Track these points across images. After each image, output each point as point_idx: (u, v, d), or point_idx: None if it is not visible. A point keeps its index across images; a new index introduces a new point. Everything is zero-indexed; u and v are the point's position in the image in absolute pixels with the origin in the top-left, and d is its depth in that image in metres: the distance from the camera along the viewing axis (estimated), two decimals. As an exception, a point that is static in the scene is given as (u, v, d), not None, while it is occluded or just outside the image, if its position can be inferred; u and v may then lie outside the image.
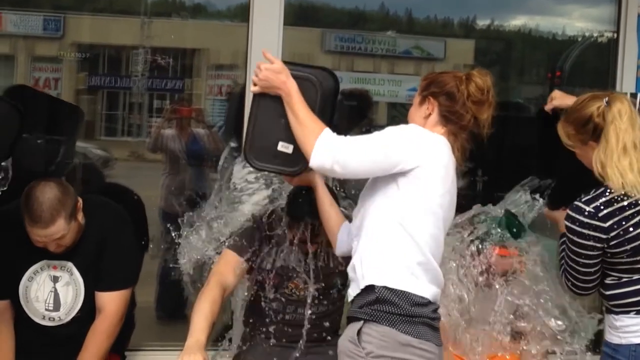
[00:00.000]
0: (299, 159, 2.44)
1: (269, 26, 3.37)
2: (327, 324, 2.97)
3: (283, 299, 2.93)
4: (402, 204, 2.31)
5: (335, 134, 2.32)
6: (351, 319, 2.37)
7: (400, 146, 2.31)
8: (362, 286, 2.32)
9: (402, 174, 2.30)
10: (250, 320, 3.03)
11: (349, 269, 2.43)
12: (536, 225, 3.12)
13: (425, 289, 2.33)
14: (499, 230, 2.91)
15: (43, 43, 6.05)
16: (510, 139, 4.38)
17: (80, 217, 2.76)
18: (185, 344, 2.52)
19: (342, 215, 2.71)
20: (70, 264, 2.80)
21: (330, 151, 2.28)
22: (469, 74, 2.46)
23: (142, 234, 3.48)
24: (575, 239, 2.46)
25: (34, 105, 3.50)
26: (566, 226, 2.48)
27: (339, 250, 2.65)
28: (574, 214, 2.45)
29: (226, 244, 2.89)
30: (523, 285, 2.93)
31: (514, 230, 2.93)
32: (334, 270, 2.93)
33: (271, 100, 2.44)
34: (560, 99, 2.95)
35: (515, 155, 4.39)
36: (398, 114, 6.96)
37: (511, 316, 2.99)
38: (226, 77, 6.22)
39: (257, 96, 2.49)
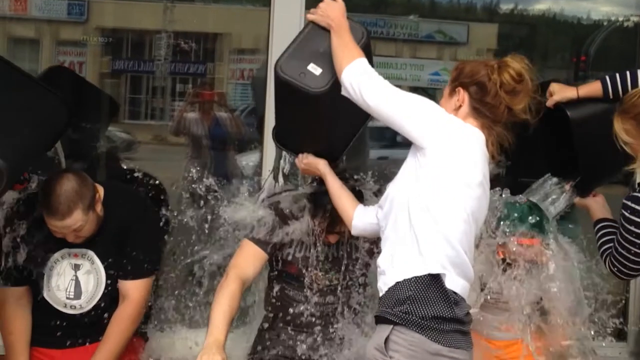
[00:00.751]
0: (321, 83, 2.45)
1: (291, 10, 3.31)
2: (348, 313, 2.92)
3: (304, 290, 2.88)
4: (426, 190, 2.18)
5: None
6: (380, 320, 2.23)
7: (424, 115, 2.19)
8: (392, 282, 2.20)
9: (423, 159, 2.18)
10: (270, 308, 2.99)
11: (379, 261, 2.30)
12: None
13: (455, 283, 2.20)
14: (520, 217, 2.82)
15: (67, 27, 6.04)
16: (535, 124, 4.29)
17: (99, 208, 2.71)
18: (204, 341, 2.50)
19: (355, 198, 2.63)
20: (91, 252, 2.76)
21: (360, 74, 2.25)
22: (502, 61, 2.30)
23: (165, 219, 3.45)
24: (633, 228, 2.41)
25: (70, 89, 3.49)
26: (623, 215, 2.42)
27: (355, 231, 2.58)
28: (632, 204, 2.39)
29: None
30: (545, 276, 2.87)
31: (537, 219, 2.85)
32: (357, 262, 2.88)
33: (319, 31, 2.50)
34: (560, 92, 2.76)
35: (539, 140, 4.28)
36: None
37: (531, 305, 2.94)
38: (248, 61, 6.18)
39: (310, 23, 2.55)
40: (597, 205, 2.77)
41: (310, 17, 2.52)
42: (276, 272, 2.91)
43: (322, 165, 2.63)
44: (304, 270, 2.84)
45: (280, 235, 2.80)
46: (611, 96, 2.66)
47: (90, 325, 2.76)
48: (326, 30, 2.46)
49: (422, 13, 5.69)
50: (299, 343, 2.91)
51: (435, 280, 2.17)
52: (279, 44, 3.12)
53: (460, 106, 2.27)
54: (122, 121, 6.30)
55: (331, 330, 2.90)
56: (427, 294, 2.16)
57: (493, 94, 2.25)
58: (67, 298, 2.75)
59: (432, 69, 5.67)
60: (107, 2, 5.78)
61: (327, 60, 2.44)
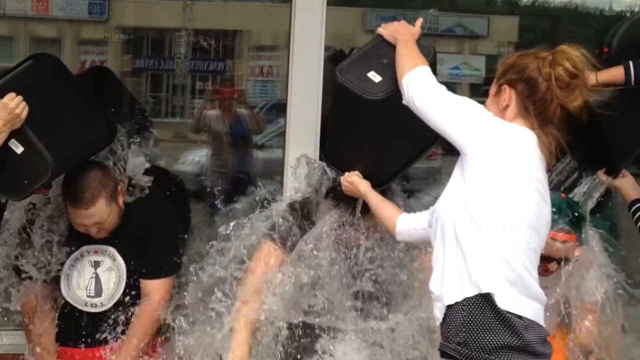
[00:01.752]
0: (378, 90, 2.38)
1: (312, 7, 3.22)
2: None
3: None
4: (472, 200, 1.94)
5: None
6: (443, 355, 1.97)
7: (466, 119, 2.00)
8: (444, 308, 1.95)
9: (467, 167, 1.96)
10: None
11: (430, 286, 2.04)
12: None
13: (516, 304, 1.90)
14: (559, 211, 2.70)
15: (88, 26, 6.02)
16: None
17: (121, 201, 2.67)
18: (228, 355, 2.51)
19: (397, 207, 2.52)
20: (112, 249, 2.71)
21: (420, 79, 2.13)
22: (556, 52, 2.01)
23: (185, 218, 3.39)
24: None
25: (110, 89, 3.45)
26: None
27: (400, 236, 2.41)
28: None
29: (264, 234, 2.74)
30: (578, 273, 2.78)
31: (576, 215, 2.73)
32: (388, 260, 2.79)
33: (386, 45, 2.45)
34: None
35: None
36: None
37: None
38: (267, 58, 6.13)
39: (378, 36, 2.52)
40: (629, 185, 2.74)
41: (380, 30, 2.46)
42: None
43: (363, 187, 2.49)
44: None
45: (300, 235, 2.73)
46: (633, 83, 2.58)
47: (113, 323, 2.70)
48: (393, 46, 2.37)
49: (442, 7, 5.59)
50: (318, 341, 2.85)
51: (486, 301, 1.89)
52: (300, 41, 3.07)
53: (507, 106, 2.02)
54: (143, 119, 6.28)
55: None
56: (482, 318, 1.88)
57: (544, 91, 1.98)
58: (88, 296, 2.70)
59: (452, 63, 5.60)
60: (127, 1, 5.76)
61: (389, 71, 2.34)
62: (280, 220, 2.76)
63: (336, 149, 2.67)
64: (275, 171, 3.67)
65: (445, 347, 1.94)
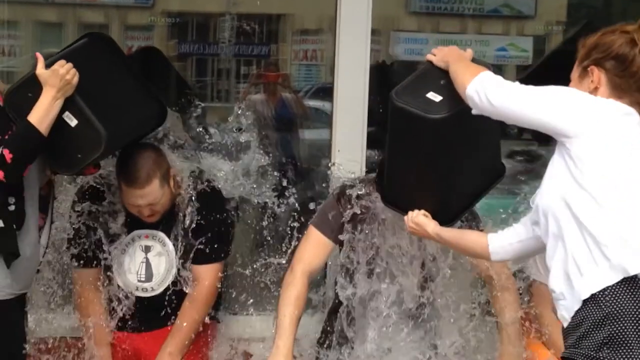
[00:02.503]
0: (441, 110, 2.24)
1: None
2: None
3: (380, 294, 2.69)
4: (588, 181, 1.79)
5: None
6: None
7: (564, 101, 1.87)
8: (577, 304, 1.76)
9: (573, 149, 1.82)
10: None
11: (551, 285, 1.87)
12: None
13: None
14: None
15: (135, 12, 6.04)
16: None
17: (173, 185, 2.67)
18: (274, 343, 2.49)
19: (479, 231, 2.42)
20: (161, 234, 2.72)
21: (487, 81, 1.98)
22: None
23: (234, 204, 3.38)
24: None
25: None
26: None
27: (495, 257, 2.25)
28: None
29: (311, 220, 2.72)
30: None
31: None
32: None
33: (438, 69, 2.32)
34: None
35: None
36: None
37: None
38: (311, 42, 6.06)
39: (428, 62, 2.39)
40: None
41: (430, 57, 2.36)
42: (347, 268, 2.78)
43: (432, 227, 2.34)
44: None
45: (348, 222, 2.66)
46: None
47: (165, 308, 2.72)
48: (445, 71, 2.25)
49: (487, -13, 5.47)
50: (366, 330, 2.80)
51: (636, 284, 1.71)
52: (346, 23, 3.03)
53: (596, 88, 1.91)
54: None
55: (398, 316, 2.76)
56: (632, 306, 1.69)
57: (638, 65, 1.87)
58: (139, 281, 2.71)
59: (499, 44, 5.47)
60: (172, -14, 5.77)
61: (449, 91, 2.20)
62: (326, 207, 2.72)
63: (396, 185, 2.47)
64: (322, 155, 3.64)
65: (578, 355, 1.73)
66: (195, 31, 6.10)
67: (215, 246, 2.73)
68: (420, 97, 2.27)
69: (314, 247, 2.66)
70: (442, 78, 2.27)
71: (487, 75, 2.03)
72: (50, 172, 2.59)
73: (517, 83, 1.97)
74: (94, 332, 2.68)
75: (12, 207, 2.35)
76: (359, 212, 2.64)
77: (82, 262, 2.70)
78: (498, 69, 6.22)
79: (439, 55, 2.33)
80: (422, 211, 2.38)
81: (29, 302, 2.68)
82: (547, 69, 4.33)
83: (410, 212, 2.40)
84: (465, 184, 2.45)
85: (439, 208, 2.38)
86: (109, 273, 2.72)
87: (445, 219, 2.38)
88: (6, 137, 2.32)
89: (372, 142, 3.38)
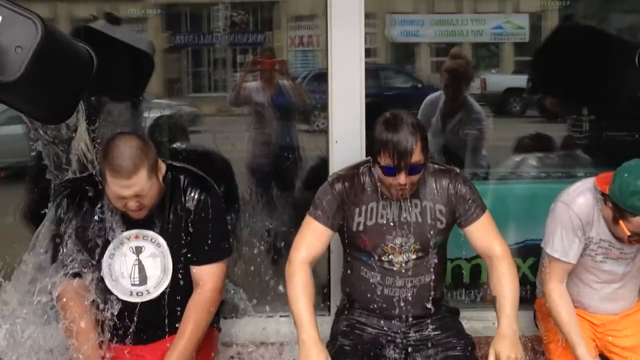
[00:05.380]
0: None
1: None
2: (427, 295, 2.64)
3: (380, 271, 2.61)
4: None
5: None
6: None
7: None
8: None
9: None
10: (348, 293, 2.74)
11: None
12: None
13: None
14: None
15: (126, 4, 5.86)
16: (619, 74, 3.84)
17: (161, 177, 2.50)
18: (298, 338, 2.43)
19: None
20: (153, 233, 2.54)
21: None
22: None
23: (233, 199, 3.23)
24: None
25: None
26: None
27: None
28: None
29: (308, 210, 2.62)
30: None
31: None
32: (432, 227, 2.58)
33: None
34: None
35: (625, 91, 3.85)
36: (485, 54, 6.47)
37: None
38: (306, 27, 5.88)
39: None
40: None
41: None
42: (348, 251, 2.66)
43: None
44: (378, 243, 2.57)
45: (344, 206, 2.58)
46: None
47: (164, 314, 2.54)
48: None
49: (484, -37, 5.27)
50: (377, 332, 2.66)
51: None
52: (337, 7, 2.91)
53: None
54: (186, 95, 6.12)
55: (409, 317, 2.63)
56: None
57: None
58: (133, 285, 2.54)
59: (495, 22, 5.30)
60: (163, -23, 5.57)
61: None
62: (320, 195, 2.61)
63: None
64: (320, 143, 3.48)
65: None
66: (190, 22, 5.92)
67: (215, 245, 2.56)
68: None
69: (311, 236, 2.58)
70: None
71: None
72: None
73: None
74: (84, 350, 2.47)
75: None
76: (351, 202, 2.57)
77: (66, 272, 2.51)
78: (495, 47, 6.05)
79: None
80: None
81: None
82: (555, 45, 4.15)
83: None
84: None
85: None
86: (95, 282, 2.54)
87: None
88: None
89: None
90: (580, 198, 2.64)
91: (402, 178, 2.44)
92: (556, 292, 2.67)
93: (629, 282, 2.77)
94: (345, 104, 2.92)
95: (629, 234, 2.49)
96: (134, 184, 2.37)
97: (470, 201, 2.61)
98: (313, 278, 2.56)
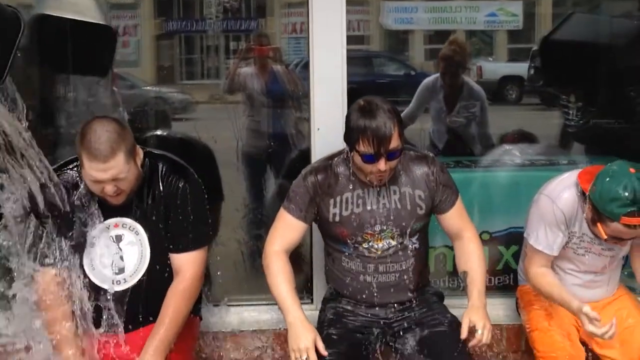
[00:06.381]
0: None
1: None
2: (409, 280, 2.65)
3: (361, 260, 2.61)
4: None
5: None
6: None
7: None
8: None
9: None
10: (332, 283, 2.74)
11: None
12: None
13: None
14: (626, 194, 2.37)
15: (118, -10, 5.82)
16: (606, 61, 3.83)
17: (139, 162, 2.48)
18: (286, 321, 2.46)
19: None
20: (131, 221, 2.52)
21: None
22: None
23: (216, 187, 3.21)
24: None
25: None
26: None
27: None
28: None
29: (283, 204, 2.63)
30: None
31: None
32: (411, 213, 2.58)
33: None
34: None
35: (612, 78, 3.83)
36: (478, 42, 6.43)
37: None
38: (298, 14, 5.83)
39: None
40: None
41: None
42: (328, 242, 2.66)
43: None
44: (357, 231, 2.57)
45: (318, 198, 2.58)
46: None
47: (142, 303, 2.53)
48: None
49: (476, -50, 5.20)
50: (363, 320, 2.66)
51: None
52: None
53: None
54: (179, 82, 6.09)
55: (393, 303, 2.64)
56: None
57: None
58: (114, 273, 2.51)
59: (488, 9, 5.24)
60: (155, -37, 5.53)
61: None
62: (293, 188, 2.62)
63: None
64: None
65: None
66: (182, 8, 5.89)
67: (194, 232, 2.54)
68: None
69: (284, 229, 2.61)
70: None
71: None
72: None
73: None
74: (63, 338, 2.44)
75: None
76: (324, 194, 2.57)
77: (44, 261, 2.47)
78: (488, 36, 5.99)
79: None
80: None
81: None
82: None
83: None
84: None
85: None
86: (75, 271, 2.50)
87: None
88: None
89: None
90: (565, 193, 2.61)
91: (381, 164, 2.43)
92: (540, 271, 2.68)
93: (610, 272, 2.76)
94: (327, 91, 2.90)
95: (605, 237, 2.48)
96: (111, 168, 2.35)
97: (448, 188, 2.63)
98: (290, 264, 2.57)
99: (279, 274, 2.51)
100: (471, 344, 2.47)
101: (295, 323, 2.43)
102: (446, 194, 2.62)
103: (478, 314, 2.48)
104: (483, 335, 2.45)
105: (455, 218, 2.65)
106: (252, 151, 4.34)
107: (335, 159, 2.63)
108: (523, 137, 3.99)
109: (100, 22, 2.87)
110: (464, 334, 2.46)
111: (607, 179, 2.43)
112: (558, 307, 2.74)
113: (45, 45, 3.08)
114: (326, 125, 2.91)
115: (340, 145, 2.88)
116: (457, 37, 4.96)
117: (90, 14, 3.08)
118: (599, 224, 2.47)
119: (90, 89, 3.43)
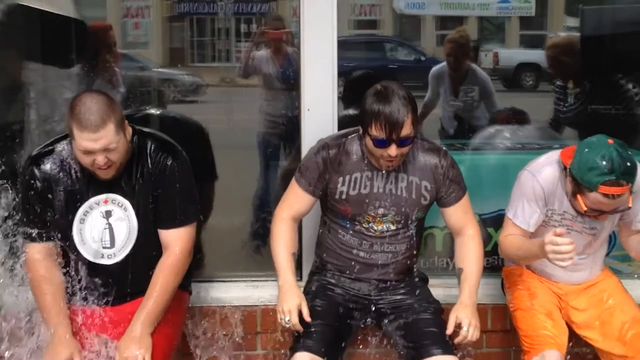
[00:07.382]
0: None
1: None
2: (398, 263, 2.72)
3: (358, 236, 2.68)
4: None
5: None
6: None
7: None
8: None
9: None
10: (322, 254, 2.80)
11: None
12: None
13: None
14: (604, 163, 2.41)
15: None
16: (604, 48, 3.83)
17: (128, 136, 2.53)
18: (279, 286, 2.57)
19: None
20: (120, 197, 2.58)
21: None
22: None
23: (209, 166, 3.27)
24: None
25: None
26: None
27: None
28: None
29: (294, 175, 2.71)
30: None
31: (628, 164, 2.41)
32: (415, 202, 2.64)
33: None
34: None
35: (610, 64, 3.83)
36: (490, 27, 6.40)
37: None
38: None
39: None
40: None
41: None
42: (327, 214, 2.72)
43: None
44: (359, 212, 2.64)
45: (328, 174, 2.64)
46: None
47: (130, 278, 2.60)
48: None
49: (487, -64, 5.19)
50: (346, 293, 2.71)
51: None
52: None
53: None
54: (189, 64, 6.14)
55: (377, 280, 2.72)
56: None
57: None
58: (103, 247, 2.58)
59: (501, -5, 5.23)
60: (168, -55, 5.57)
61: None
62: (304, 161, 2.68)
63: None
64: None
65: None
66: (193, -10, 5.94)
67: (182, 208, 2.59)
68: None
69: (293, 199, 2.70)
70: None
71: None
72: None
73: None
74: (51, 310, 2.53)
75: None
76: (335, 169, 2.62)
77: (35, 235, 2.56)
78: (501, 21, 5.95)
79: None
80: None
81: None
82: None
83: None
84: None
85: None
86: (70, 246, 2.59)
87: None
88: None
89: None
90: (546, 169, 2.65)
91: (392, 150, 2.46)
92: (509, 237, 2.72)
93: (593, 254, 2.79)
94: (317, 71, 2.93)
95: (585, 209, 2.50)
96: (102, 137, 2.39)
97: (455, 184, 2.67)
98: (295, 231, 2.68)
99: (280, 239, 2.62)
100: (457, 340, 2.52)
101: (284, 286, 2.54)
102: (452, 189, 2.66)
103: (466, 311, 2.53)
104: (469, 332, 2.50)
105: (458, 214, 2.69)
106: (269, 133, 4.40)
107: (350, 136, 2.67)
108: (515, 115, 3.99)
109: (70, 16, 2.95)
110: (449, 330, 2.51)
111: (586, 150, 2.46)
112: (541, 287, 2.77)
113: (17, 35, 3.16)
114: (316, 106, 2.95)
115: (330, 125, 2.94)
116: (466, 28, 4.98)
117: (62, 6, 3.17)
118: (578, 196, 2.50)
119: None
